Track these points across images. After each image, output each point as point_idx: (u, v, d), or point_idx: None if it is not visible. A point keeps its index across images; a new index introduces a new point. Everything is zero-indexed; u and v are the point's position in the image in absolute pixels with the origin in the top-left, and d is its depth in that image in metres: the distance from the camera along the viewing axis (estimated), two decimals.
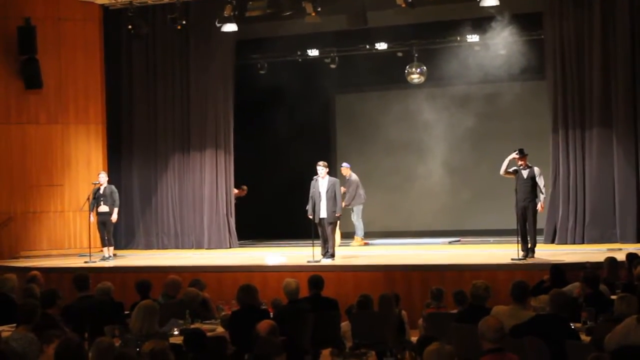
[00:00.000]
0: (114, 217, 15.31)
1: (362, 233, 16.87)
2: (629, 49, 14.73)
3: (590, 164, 15.02)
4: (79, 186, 16.74)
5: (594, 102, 14.97)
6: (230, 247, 16.96)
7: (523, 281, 8.06)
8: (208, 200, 17.11)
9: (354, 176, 16.79)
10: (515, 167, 12.93)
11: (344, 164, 17.04)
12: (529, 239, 12.88)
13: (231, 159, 17.28)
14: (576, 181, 15.06)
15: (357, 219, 16.81)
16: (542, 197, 13.01)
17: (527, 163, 12.89)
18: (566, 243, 14.90)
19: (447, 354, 5.42)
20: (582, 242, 14.83)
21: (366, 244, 16.70)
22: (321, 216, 13.59)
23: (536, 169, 12.99)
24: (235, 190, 18.15)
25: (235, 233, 17.20)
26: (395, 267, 13.27)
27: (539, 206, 12.92)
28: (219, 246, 16.93)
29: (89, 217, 15.31)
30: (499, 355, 5.85)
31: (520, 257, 12.72)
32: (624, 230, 14.66)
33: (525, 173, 12.85)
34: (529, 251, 12.84)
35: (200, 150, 17.24)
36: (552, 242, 15.06)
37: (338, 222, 14.36)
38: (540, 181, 12.96)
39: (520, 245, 12.82)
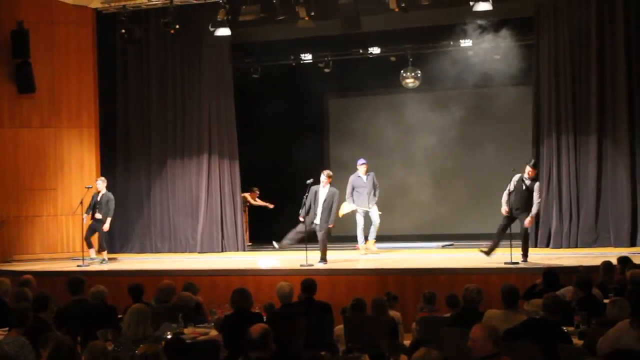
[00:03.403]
0: (106, 227, 15.32)
1: None
2: (624, 53, 14.77)
3: (584, 169, 15.05)
4: (72, 190, 16.70)
5: (589, 107, 15.00)
6: (222, 251, 16.95)
7: (512, 286, 8.04)
8: (202, 204, 17.09)
9: (371, 174, 15.40)
10: (513, 181, 12.92)
11: (363, 160, 15.43)
12: (521, 244, 12.92)
13: (234, 164, 17.29)
14: (569, 185, 15.09)
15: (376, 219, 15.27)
16: (534, 210, 12.97)
17: (533, 176, 12.93)
18: (560, 247, 14.93)
19: (435, 359, 5.39)
20: (576, 247, 14.87)
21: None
22: (314, 222, 13.70)
23: (537, 185, 12.98)
24: (247, 195, 18.27)
25: (231, 238, 17.18)
26: (388, 270, 13.31)
27: (527, 221, 12.89)
28: (211, 250, 16.92)
29: (83, 219, 15.34)
30: None
31: (481, 249, 13.04)
32: (617, 234, 14.69)
33: (527, 183, 12.85)
34: (523, 256, 12.89)
35: (199, 154, 17.21)
36: (547, 246, 15.08)
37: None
38: (536, 196, 12.95)
39: (494, 240, 13.05)
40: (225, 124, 17.26)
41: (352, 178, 15.29)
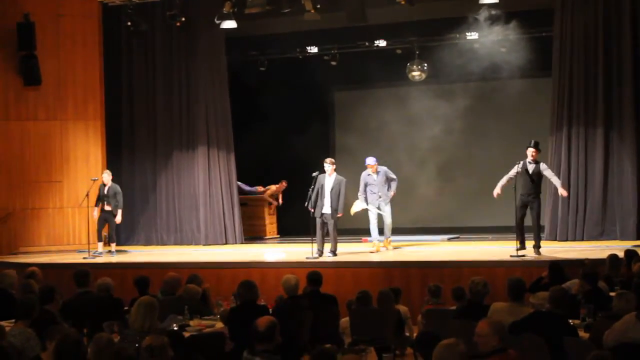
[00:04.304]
0: (118, 219, 15.51)
1: None
2: (633, 47, 14.73)
3: (591, 162, 15.01)
4: (77, 182, 16.73)
5: (597, 100, 14.95)
6: (226, 244, 16.96)
7: (518, 278, 8.04)
8: (207, 196, 17.09)
9: (382, 170, 14.73)
10: (516, 168, 12.83)
11: (370, 161, 14.63)
12: (533, 235, 12.87)
13: (230, 157, 17.26)
14: (577, 178, 15.06)
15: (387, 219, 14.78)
16: (559, 182, 13.10)
17: (537, 158, 12.87)
18: (567, 240, 14.91)
19: (457, 353, 5.34)
20: (582, 239, 14.84)
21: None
22: (323, 212, 13.64)
23: (542, 164, 12.92)
24: (274, 187, 18.32)
25: (229, 230, 17.18)
26: (394, 263, 13.30)
27: (561, 191, 13.04)
28: (215, 242, 16.92)
29: (93, 213, 15.47)
30: (503, 356, 5.83)
31: (517, 253, 12.66)
32: (624, 227, 14.66)
33: (531, 168, 12.76)
34: (535, 247, 12.85)
35: (199, 147, 17.20)
36: (555, 238, 15.05)
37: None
38: (548, 172, 12.92)
39: (517, 235, 12.79)
40: (222, 116, 17.24)
41: (363, 175, 14.63)
